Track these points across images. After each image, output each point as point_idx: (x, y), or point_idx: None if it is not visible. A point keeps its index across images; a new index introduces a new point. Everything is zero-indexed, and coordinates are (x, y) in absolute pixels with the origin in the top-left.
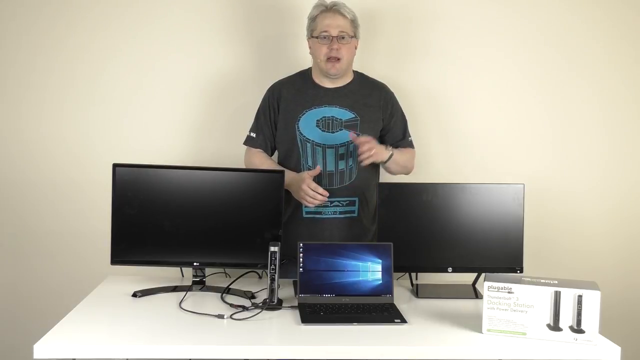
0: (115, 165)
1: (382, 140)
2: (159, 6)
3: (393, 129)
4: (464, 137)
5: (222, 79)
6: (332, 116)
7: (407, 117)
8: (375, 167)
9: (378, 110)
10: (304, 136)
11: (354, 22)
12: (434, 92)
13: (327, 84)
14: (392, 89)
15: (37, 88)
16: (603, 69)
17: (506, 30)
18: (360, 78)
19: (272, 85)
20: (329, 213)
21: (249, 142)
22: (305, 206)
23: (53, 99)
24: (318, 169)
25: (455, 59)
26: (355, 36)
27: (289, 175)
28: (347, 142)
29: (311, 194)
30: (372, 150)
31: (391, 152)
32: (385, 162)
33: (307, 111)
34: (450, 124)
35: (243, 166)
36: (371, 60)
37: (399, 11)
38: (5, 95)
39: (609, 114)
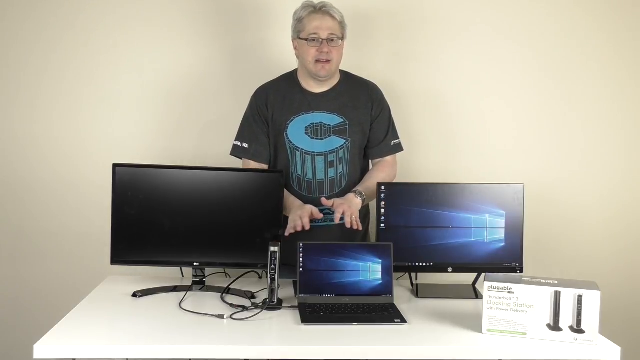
0: (115, 165)
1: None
2: (151, 7)
3: (375, 128)
4: (464, 137)
5: (224, 80)
6: (321, 122)
7: (406, 118)
8: (363, 171)
9: (366, 112)
10: (293, 144)
11: (342, 24)
12: (434, 92)
13: (314, 87)
14: (391, 90)
15: (33, 87)
16: (603, 68)
17: (506, 31)
18: (347, 78)
19: (256, 91)
20: (320, 221)
21: (241, 153)
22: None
23: (52, 99)
24: (320, 215)
25: (455, 60)
26: (343, 37)
27: (295, 203)
28: (337, 148)
29: (298, 223)
30: (349, 212)
31: (362, 198)
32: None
33: (295, 117)
34: (450, 124)
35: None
36: (369, 61)
37: (397, 12)
38: (3, 95)
39: (609, 114)
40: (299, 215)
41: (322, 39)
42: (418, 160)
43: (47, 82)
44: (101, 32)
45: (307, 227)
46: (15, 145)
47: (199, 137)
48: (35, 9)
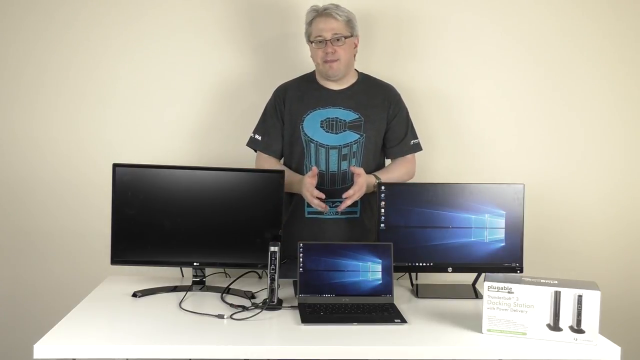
0: (115, 165)
1: (383, 139)
2: (162, 6)
3: (393, 128)
4: (464, 138)
5: (225, 80)
6: (336, 117)
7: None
8: (378, 167)
9: (382, 111)
10: (308, 137)
11: (349, 22)
12: (433, 92)
13: (332, 85)
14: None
15: (34, 87)
16: (604, 69)
17: (508, 31)
18: (365, 79)
19: (276, 89)
20: (331, 214)
21: (253, 144)
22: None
23: (52, 99)
24: (315, 170)
25: (456, 60)
26: (352, 35)
27: (295, 177)
28: (351, 142)
29: (310, 200)
30: (351, 198)
31: (377, 181)
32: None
33: (311, 112)
34: (450, 124)
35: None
36: (372, 60)
37: (400, 11)
38: (2, 96)
39: (610, 114)
40: (310, 192)
41: (327, 40)
42: (418, 160)
43: (48, 82)
44: (101, 32)
45: (323, 206)
46: (16, 145)
47: (200, 137)
48: (35, 8)
